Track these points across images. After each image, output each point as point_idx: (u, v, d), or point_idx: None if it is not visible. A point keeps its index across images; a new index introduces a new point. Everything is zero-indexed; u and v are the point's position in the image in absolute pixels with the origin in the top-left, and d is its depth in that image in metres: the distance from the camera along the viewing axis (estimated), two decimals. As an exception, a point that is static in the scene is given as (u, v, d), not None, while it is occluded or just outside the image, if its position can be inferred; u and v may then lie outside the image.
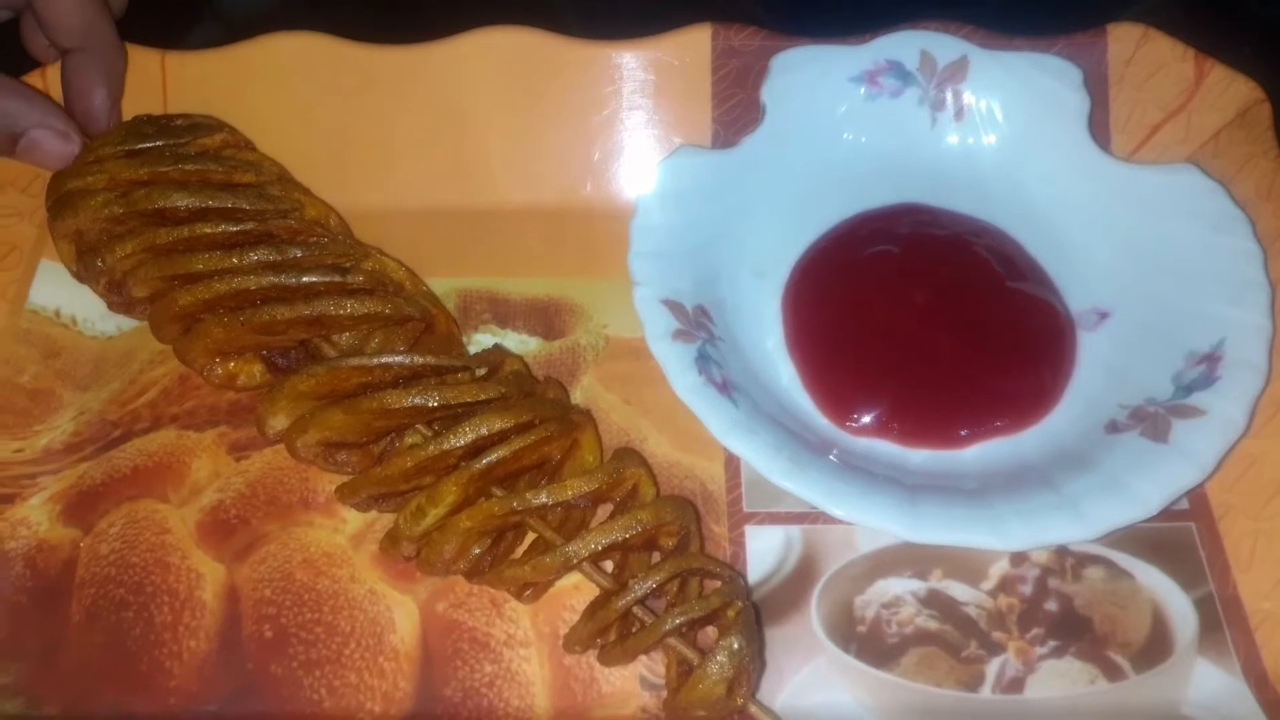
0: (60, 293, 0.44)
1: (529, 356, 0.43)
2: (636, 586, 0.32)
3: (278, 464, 0.40)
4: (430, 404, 0.34)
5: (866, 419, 0.40)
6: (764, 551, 0.39)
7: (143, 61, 0.47)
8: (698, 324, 0.40)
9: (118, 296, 0.39)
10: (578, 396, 0.42)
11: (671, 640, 0.32)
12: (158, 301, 0.37)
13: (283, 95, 0.47)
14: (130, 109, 0.45)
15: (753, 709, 0.32)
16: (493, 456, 0.33)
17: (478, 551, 0.35)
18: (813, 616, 0.37)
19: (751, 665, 0.32)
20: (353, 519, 0.39)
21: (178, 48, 0.47)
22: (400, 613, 0.38)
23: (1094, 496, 0.35)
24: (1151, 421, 0.38)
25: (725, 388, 0.38)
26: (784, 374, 0.41)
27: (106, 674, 0.36)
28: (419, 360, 0.35)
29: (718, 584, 0.34)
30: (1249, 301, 0.39)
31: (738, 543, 0.39)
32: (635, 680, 0.36)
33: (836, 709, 0.36)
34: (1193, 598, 0.37)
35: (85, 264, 0.39)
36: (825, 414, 0.40)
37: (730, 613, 0.32)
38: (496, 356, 0.38)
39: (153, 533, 0.39)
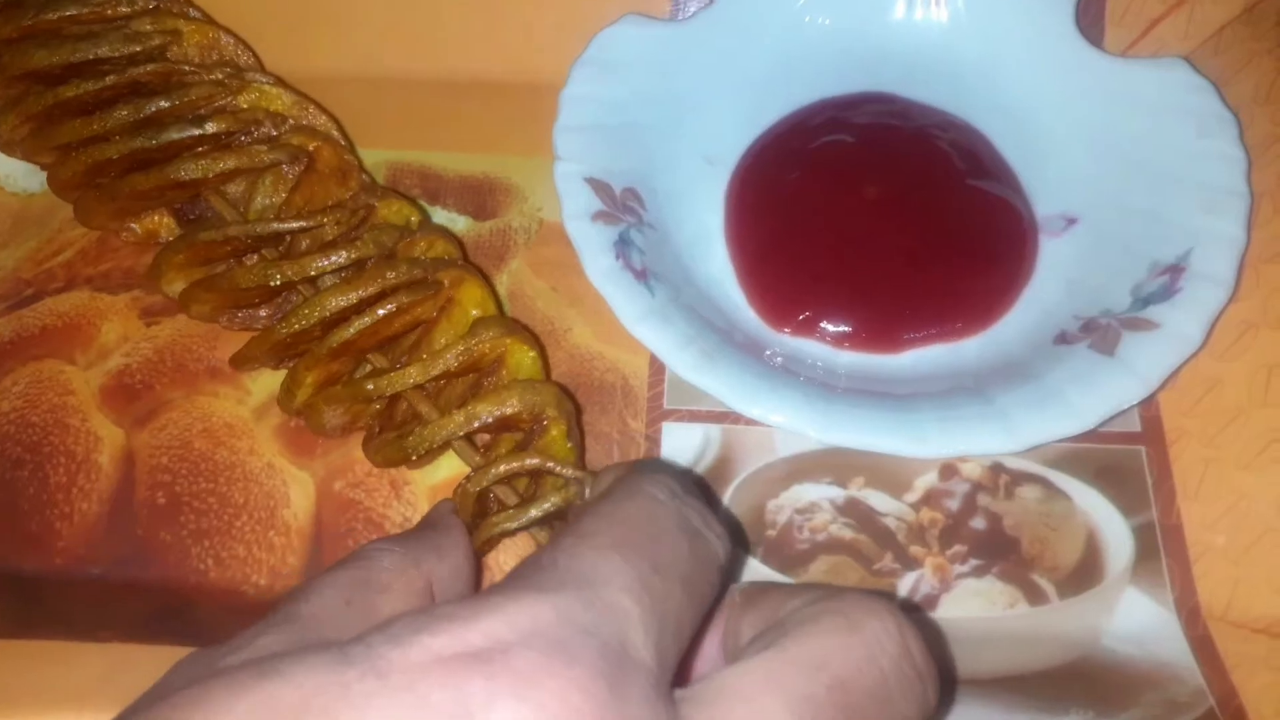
0: (-17, 147, 0.42)
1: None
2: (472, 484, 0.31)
3: (188, 331, 0.39)
4: (273, 282, 0.33)
5: (801, 316, 0.37)
6: (680, 449, 0.37)
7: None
8: (625, 207, 0.37)
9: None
10: (504, 281, 0.40)
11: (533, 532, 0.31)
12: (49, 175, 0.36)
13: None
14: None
15: None
16: (338, 338, 0.32)
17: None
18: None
19: None
20: (257, 391, 0.38)
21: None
22: (296, 488, 0.36)
23: (1026, 408, 0.33)
24: (1101, 333, 0.35)
25: (643, 275, 0.36)
26: (717, 267, 0.38)
27: (-4, 531, 0.36)
28: (261, 230, 0.34)
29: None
30: (1223, 210, 0.35)
31: (654, 439, 0.37)
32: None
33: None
34: (1132, 524, 0.35)
35: None
36: (758, 311, 0.38)
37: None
38: (364, 203, 0.35)
39: (55, 393, 0.38)
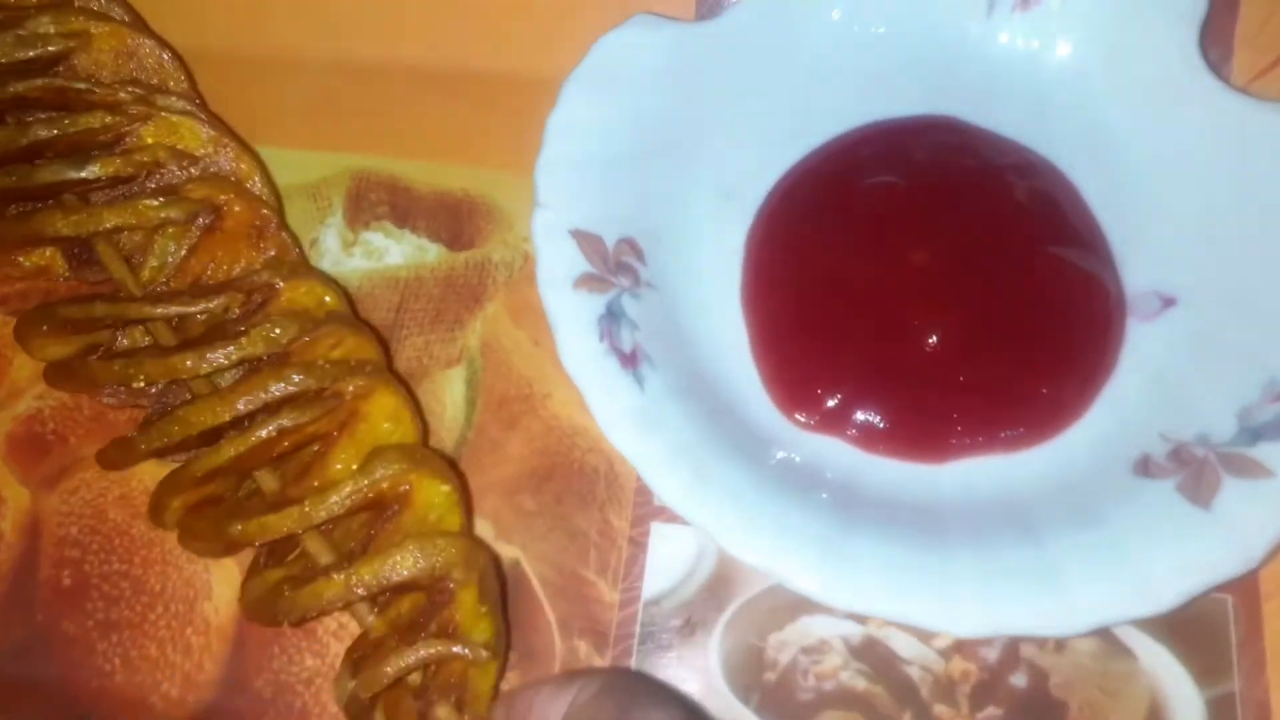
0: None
1: (427, 269, 0.35)
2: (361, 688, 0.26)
3: (109, 373, 0.34)
4: (134, 383, 0.28)
5: (828, 404, 0.31)
6: (668, 559, 0.31)
7: None
8: (618, 266, 0.31)
9: None
10: (478, 329, 0.34)
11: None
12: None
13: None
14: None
15: None
16: (205, 465, 0.27)
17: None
18: (712, 652, 0.30)
19: None
20: (182, 453, 0.33)
21: None
22: (219, 576, 0.31)
23: (1085, 567, 0.26)
24: (1195, 470, 0.28)
25: (632, 359, 0.29)
26: (729, 335, 0.32)
27: (-123, 612, 0.31)
28: (133, 312, 0.29)
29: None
30: (1370, 322, 0.28)
31: (639, 543, 0.31)
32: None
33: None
34: (1207, 696, 0.29)
35: None
36: (774, 394, 0.31)
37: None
38: (265, 283, 0.29)
39: (-44, 441, 0.33)
